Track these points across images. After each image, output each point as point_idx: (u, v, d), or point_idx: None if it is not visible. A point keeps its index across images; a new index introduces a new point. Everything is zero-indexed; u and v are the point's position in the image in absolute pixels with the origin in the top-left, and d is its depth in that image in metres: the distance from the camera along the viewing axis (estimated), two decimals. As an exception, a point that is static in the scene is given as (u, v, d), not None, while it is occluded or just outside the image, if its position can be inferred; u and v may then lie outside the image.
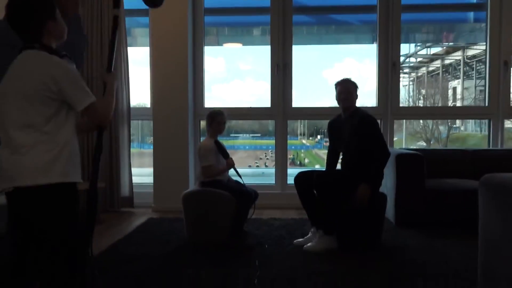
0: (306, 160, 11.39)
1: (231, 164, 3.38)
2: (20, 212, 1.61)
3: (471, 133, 6.86)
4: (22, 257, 1.66)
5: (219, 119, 3.44)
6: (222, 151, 3.37)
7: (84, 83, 1.67)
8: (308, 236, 3.32)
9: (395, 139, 5.00)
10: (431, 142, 6.77)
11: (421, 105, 6.76)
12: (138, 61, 5.28)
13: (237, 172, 3.46)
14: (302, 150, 11.91)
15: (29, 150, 1.55)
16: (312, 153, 11.98)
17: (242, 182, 3.48)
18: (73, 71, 1.65)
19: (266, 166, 10.68)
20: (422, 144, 6.81)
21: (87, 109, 1.64)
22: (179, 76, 4.64)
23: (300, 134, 11.19)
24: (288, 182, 4.98)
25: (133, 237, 3.56)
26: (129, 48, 4.70)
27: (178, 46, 4.64)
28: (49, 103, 1.57)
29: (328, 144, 3.71)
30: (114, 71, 1.99)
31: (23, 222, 1.63)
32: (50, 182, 1.56)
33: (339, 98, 3.35)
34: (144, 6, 5.01)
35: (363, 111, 3.36)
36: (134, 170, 4.80)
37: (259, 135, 10.79)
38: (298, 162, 10.90)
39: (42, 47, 1.64)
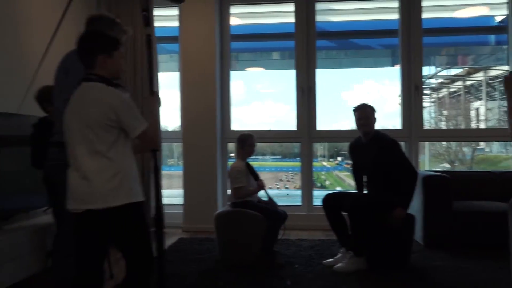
0: (327, 182, 11.39)
1: (262, 186, 3.49)
2: (93, 230, 1.77)
3: (498, 154, 6.80)
4: (96, 268, 1.81)
5: (250, 141, 3.57)
6: (253, 173, 3.49)
7: (138, 110, 1.82)
8: (337, 256, 3.38)
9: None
10: (455, 164, 6.74)
11: (443, 126, 6.78)
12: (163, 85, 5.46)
13: (267, 193, 3.57)
14: (323, 172, 11.92)
15: (97, 175, 1.70)
16: (333, 175, 11.98)
17: (274, 203, 3.56)
18: (128, 100, 1.81)
19: (286, 188, 10.73)
20: (445, 166, 6.78)
21: (140, 135, 1.80)
22: (207, 100, 4.82)
23: (321, 156, 11.23)
24: (314, 203, 5.03)
25: (166, 256, 3.66)
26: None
27: (206, 71, 4.83)
28: (109, 130, 1.73)
29: (349, 165, 3.78)
30: (156, 94, 2.11)
31: (96, 238, 1.79)
32: (120, 204, 1.73)
33: (358, 123, 3.42)
34: (173, 33, 5.25)
35: (383, 134, 3.42)
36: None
37: (280, 157, 10.88)
38: (319, 184, 10.92)
39: (99, 78, 1.81)
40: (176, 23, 5.01)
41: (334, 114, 5.88)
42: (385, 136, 3.38)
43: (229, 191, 3.73)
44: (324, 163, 11.94)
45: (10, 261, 2.57)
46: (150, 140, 1.88)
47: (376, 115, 3.44)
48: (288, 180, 11.21)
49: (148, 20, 2.25)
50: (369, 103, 3.47)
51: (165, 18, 5.06)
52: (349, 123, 5.00)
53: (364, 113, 3.40)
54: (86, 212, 1.72)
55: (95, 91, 1.77)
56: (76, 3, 2.76)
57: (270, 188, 10.01)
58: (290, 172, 11.33)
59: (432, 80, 7.02)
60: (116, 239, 1.83)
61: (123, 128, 1.77)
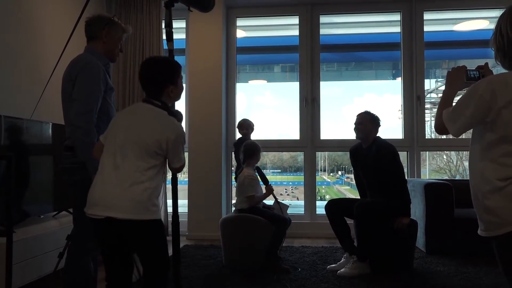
0: (327, 196, 11.44)
1: (271, 190, 3.57)
2: (110, 238, 1.80)
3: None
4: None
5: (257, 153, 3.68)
6: (262, 177, 3.58)
7: (183, 144, 1.90)
8: (341, 261, 3.43)
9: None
10: (456, 178, 6.79)
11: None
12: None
13: (275, 198, 3.65)
14: (323, 186, 11.95)
15: (131, 187, 1.72)
16: (333, 189, 12.03)
17: (284, 206, 3.67)
18: (182, 136, 1.86)
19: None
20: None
21: (174, 168, 1.91)
22: (213, 110, 4.92)
23: (321, 170, 11.25)
24: (317, 212, 5.09)
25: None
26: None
27: (212, 83, 4.94)
28: (155, 156, 1.79)
29: (351, 175, 3.86)
30: (180, 116, 2.13)
31: (112, 247, 1.83)
32: (142, 219, 1.74)
33: (355, 127, 3.54)
34: (180, 46, 5.36)
35: (383, 141, 3.47)
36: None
37: (279, 171, 10.89)
38: (319, 198, 10.96)
39: (164, 106, 1.87)
40: (183, 36, 5.14)
41: (336, 126, 5.98)
42: (384, 143, 3.44)
43: (234, 200, 3.81)
44: (325, 177, 12.00)
45: (22, 262, 2.64)
46: (178, 171, 1.98)
47: (377, 127, 3.51)
48: (288, 194, 11.25)
49: (171, 35, 2.25)
50: (373, 113, 3.55)
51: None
52: (351, 134, 5.11)
53: (361, 118, 3.51)
54: (105, 219, 1.72)
55: (159, 120, 1.82)
56: (88, 8, 2.89)
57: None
58: (290, 186, 11.39)
59: (433, 95, 7.10)
60: (136, 251, 1.85)
61: (166, 157, 1.84)
